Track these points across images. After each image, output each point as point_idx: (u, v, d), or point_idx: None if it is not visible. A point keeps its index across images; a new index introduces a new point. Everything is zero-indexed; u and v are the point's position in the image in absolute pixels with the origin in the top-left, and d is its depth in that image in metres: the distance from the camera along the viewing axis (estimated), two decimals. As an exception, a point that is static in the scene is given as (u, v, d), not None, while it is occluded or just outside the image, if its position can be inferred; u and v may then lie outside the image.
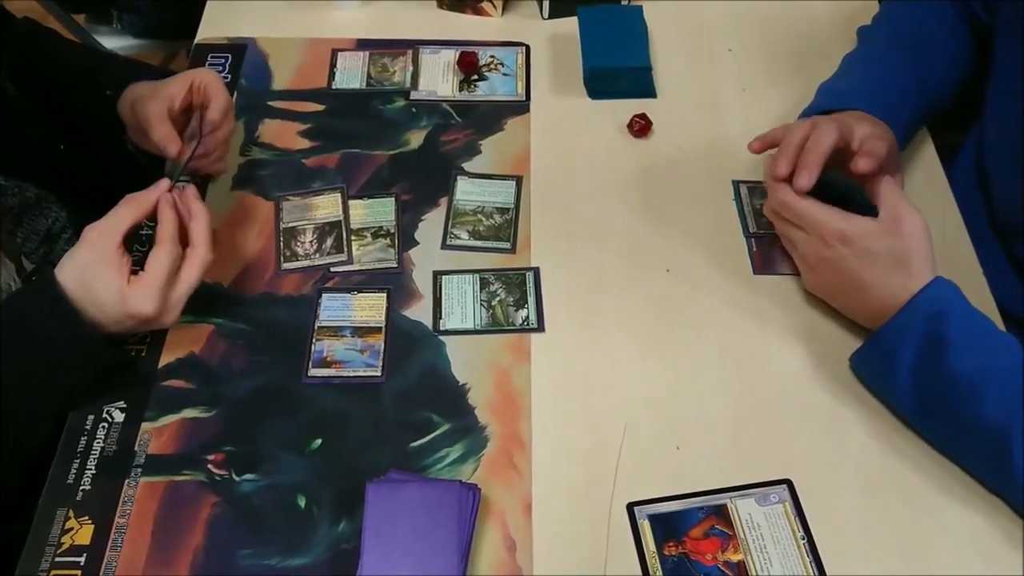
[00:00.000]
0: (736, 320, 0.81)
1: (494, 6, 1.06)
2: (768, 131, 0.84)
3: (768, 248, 0.86)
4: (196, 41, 1.05)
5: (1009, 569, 0.67)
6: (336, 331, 0.80)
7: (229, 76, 1.00)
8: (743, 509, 0.70)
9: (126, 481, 0.71)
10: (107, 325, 0.72)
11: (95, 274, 0.70)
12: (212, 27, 1.06)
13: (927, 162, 0.93)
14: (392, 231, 0.87)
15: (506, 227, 0.87)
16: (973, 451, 0.70)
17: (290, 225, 0.88)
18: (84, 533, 0.69)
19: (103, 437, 0.73)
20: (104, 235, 0.71)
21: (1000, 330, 0.73)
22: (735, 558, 0.68)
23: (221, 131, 0.84)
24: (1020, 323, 0.86)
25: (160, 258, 0.71)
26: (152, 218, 0.74)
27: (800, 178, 0.77)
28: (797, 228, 0.79)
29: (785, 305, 0.82)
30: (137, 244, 0.83)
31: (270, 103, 0.98)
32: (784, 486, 0.71)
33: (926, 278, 0.72)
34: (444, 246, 0.86)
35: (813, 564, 0.68)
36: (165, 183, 0.75)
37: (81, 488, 0.71)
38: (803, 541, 0.69)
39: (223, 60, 1.02)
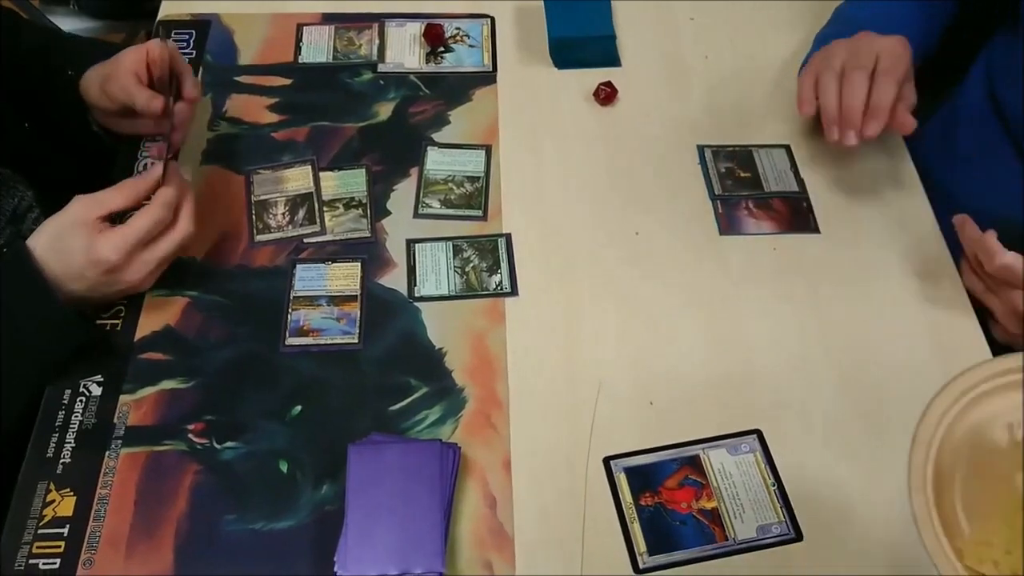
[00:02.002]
0: (704, 279, 0.83)
1: (458, -21, 1.06)
2: (802, 91, 0.85)
3: (732, 209, 0.88)
4: (159, 18, 1.04)
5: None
6: (312, 300, 0.81)
7: (194, 52, 1.00)
8: (715, 459, 0.72)
9: (107, 453, 0.72)
10: (69, 282, 0.71)
11: (69, 235, 0.71)
12: (175, 4, 1.05)
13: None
14: (364, 201, 0.88)
15: (477, 195, 0.89)
16: None
17: (261, 198, 0.88)
18: (66, 505, 0.69)
19: (81, 411, 0.74)
20: (90, 205, 0.72)
21: None
22: (709, 506, 0.70)
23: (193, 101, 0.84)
24: None
25: (144, 217, 0.72)
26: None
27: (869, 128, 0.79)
28: None
29: (751, 264, 0.84)
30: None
31: (236, 78, 0.98)
32: (754, 436, 0.74)
33: None
34: (416, 215, 0.87)
35: (784, 509, 0.70)
36: (158, 170, 0.74)
37: (61, 461, 0.71)
38: (773, 488, 0.71)
39: (187, 37, 1.02)
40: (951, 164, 0.96)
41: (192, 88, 0.82)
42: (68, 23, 1.50)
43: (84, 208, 0.72)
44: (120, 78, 0.81)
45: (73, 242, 0.71)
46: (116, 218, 0.74)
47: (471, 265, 0.83)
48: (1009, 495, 0.58)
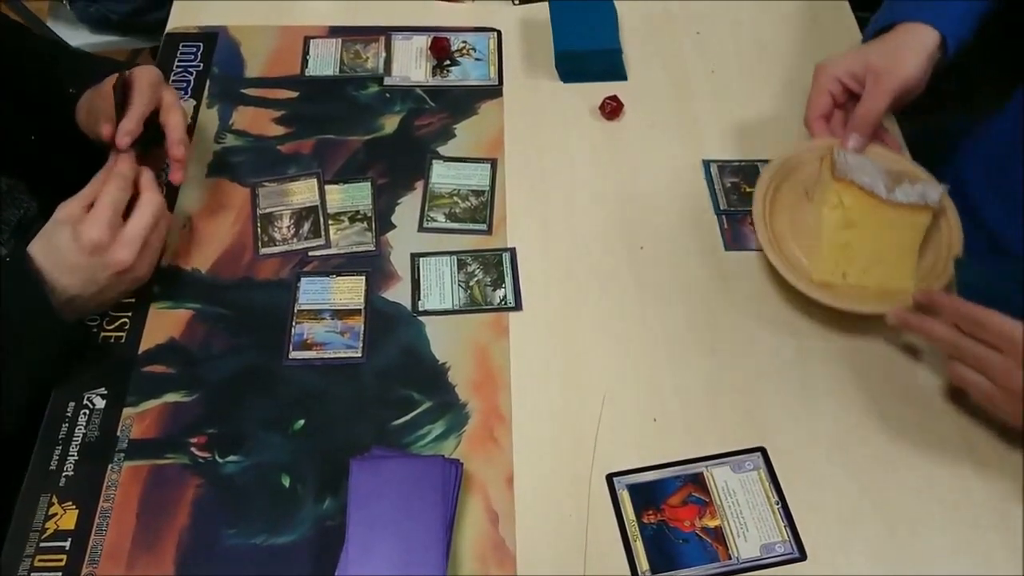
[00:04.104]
0: (709, 295, 0.83)
1: (465, -8, 1.07)
2: (811, 110, 0.88)
3: (738, 225, 0.88)
4: (167, 30, 1.04)
5: (975, 528, 0.70)
6: (316, 314, 0.81)
7: (201, 65, 1.00)
8: (719, 477, 0.72)
9: (109, 466, 0.72)
10: (66, 278, 0.72)
11: (56, 233, 0.73)
12: (182, 16, 1.06)
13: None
14: (369, 215, 0.88)
15: (482, 209, 0.89)
16: None
17: (267, 211, 0.88)
18: (68, 518, 0.69)
19: (84, 423, 0.74)
20: (68, 204, 0.74)
21: None
22: (712, 524, 0.70)
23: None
24: None
25: (104, 190, 0.74)
26: None
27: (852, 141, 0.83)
28: (988, 347, 0.67)
29: (756, 279, 0.84)
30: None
31: (243, 91, 0.98)
32: (758, 454, 0.73)
33: None
34: (421, 228, 0.87)
35: (787, 528, 0.70)
36: (119, 156, 0.78)
37: (64, 474, 0.71)
38: (777, 506, 0.71)
39: (195, 49, 1.02)
40: (1001, 202, 0.86)
41: (123, 135, 0.80)
42: (77, 38, 1.51)
43: (65, 208, 0.74)
44: (99, 105, 0.82)
45: (60, 238, 0.72)
46: None
47: (475, 279, 0.83)
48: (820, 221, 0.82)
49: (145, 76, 0.82)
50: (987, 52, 0.94)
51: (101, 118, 0.81)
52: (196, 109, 0.96)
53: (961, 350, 0.69)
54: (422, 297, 0.82)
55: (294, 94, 0.98)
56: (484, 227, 0.87)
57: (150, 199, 0.76)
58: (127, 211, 0.75)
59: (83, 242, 0.72)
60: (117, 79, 0.80)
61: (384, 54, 1.02)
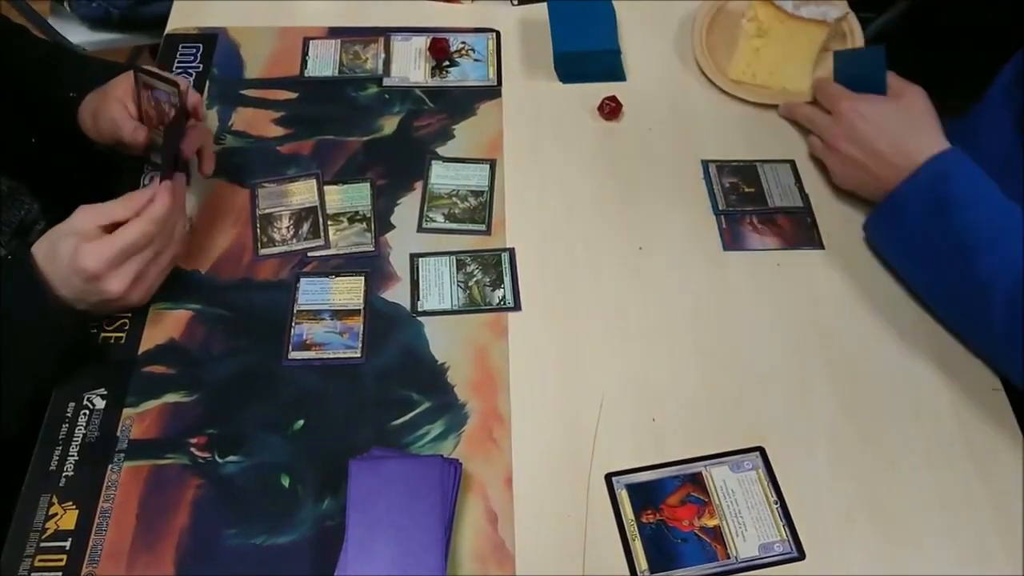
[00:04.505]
0: (707, 295, 0.83)
1: (464, -7, 1.07)
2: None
3: (736, 225, 0.88)
4: (166, 32, 1.05)
5: (974, 527, 0.70)
6: (315, 314, 0.81)
7: (201, 66, 1.01)
8: (718, 476, 0.72)
9: (109, 466, 0.72)
10: (58, 287, 0.72)
11: (61, 241, 0.72)
12: (182, 17, 1.06)
13: None
14: (368, 215, 0.88)
15: (481, 209, 0.89)
16: (961, 310, 0.76)
17: (266, 211, 0.88)
18: (68, 518, 0.69)
19: (85, 424, 0.74)
20: (91, 215, 0.73)
21: (1003, 195, 0.75)
22: (711, 523, 0.70)
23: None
24: None
25: (130, 229, 0.72)
26: None
27: None
28: (823, 113, 0.88)
29: (754, 279, 0.84)
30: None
31: (243, 92, 0.98)
32: (756, 453, 0.73)
33: (934, 145, 0.78)
34: (420, 229, 0.87)
35: (786, 527, 0.70)
36: (167, 185, 0.75)
37: (64, 474, 0.71)
38: (776, 505, 0.71)
39: (194, 50, 1.02)
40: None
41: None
42: (77, 35, 1.51)
43: (85, 217, 0.73)
44: (108, 110, 0.82)
45: (63, 248, 0.72)
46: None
47: (474, 279, 0.83)
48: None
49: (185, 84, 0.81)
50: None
51: (120, 125, 0.80)
52: (196, 110, 0.96)
53: (813, 120, 0.90)
54: (421, 297, 0.82)
55: (293, 95, 0.98)
56: (483, 227, 0.87)
57: (172, 249, 0.76)
58: None
59: (77, 264, 0.71)
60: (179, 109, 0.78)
61: (383, 55, 1.02)
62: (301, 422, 0.75)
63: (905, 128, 0.81)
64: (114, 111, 0.81)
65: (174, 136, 0.79)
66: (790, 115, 0.94)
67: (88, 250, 0.71)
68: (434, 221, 0.88)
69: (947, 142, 0.79)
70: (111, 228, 0.73)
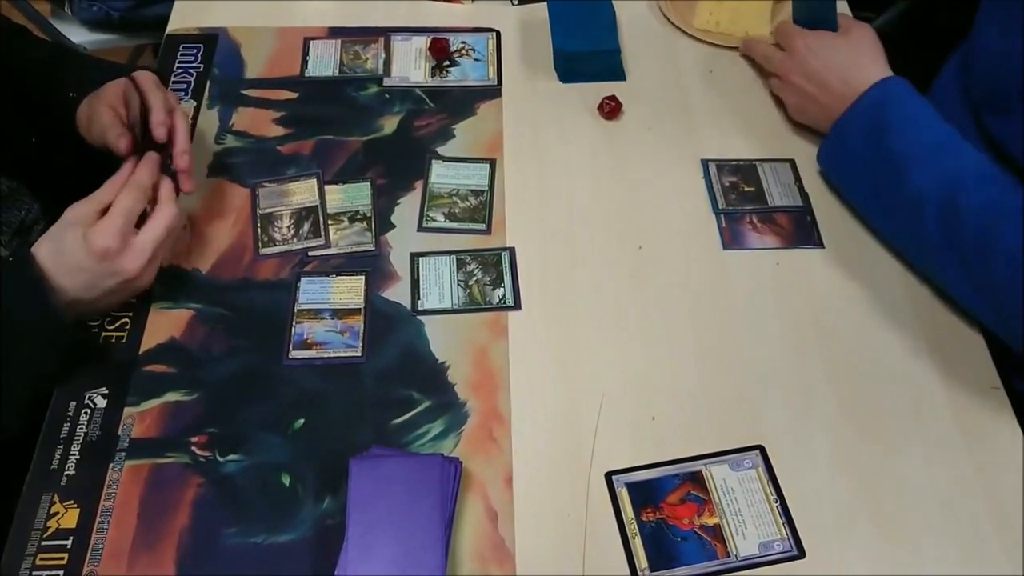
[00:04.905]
0: (707, 294, 0.83)
1: (464, -7, 1.07)
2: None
3: (736, 224, 0.88)
4: (167, 32, 1.05)
5: (974, 526, 0.70)
6: (316, 313, 0.81)
7: (202, 66, 1.01)
8: (718, 475, 0.72)
9: (110, 465, 0.72)
10: (70, 279, 0.73)
11: (65, 235, 0.73)
12: (183, 17, 1.06)
13: None
14: (368, 215, 0.88)
15: (481, 209, 0.89)
16: (900, 227, 0.81)
17: (267, 211, 0.88)
18: (70, 517, 0.69)
19: (86, 423, 0.74)
20: (81, 206, 0.74)
21: (938, 116, 0.80)
22: (711, 522, 0.70)
23: (171, 123, 0.83)
24: None
25: (120, 197, 0.74)
26: None
27: None
28: (779, 50, 0.94)
29: (753, 278, 0.84)
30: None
31: (243, 92, 0.99)
32: (756, 452, 0.73)
33: (878, 74, 0.83)
34: (420, 228, 0.87)
35: (786, 526, 0.70)
36: (135, 159, 0.78)
37: (65, 473, 0.71)
38: (776, 504, 0.71)
39: (195, 50, 1.02)
40: None
41: (158, 126, 0.81)
42: (78, 35, 1.51)
43: (76, 210, 0.74)
44: (99, 114, 0.82)
45: (69, 241, 0.72)
46: None
47: (474, 279, 0.84)
48: None
49: (149, 79, 0.83)
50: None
51: (107, 130, 0.81)
52: (196, 110, 0.96)
53: (769, 57, 0.95)
54: (421, 297, 0.82)
55: (294, 95, 0.98)
56: (483, 227, 0.88)
57: (166, 211, 0.76)
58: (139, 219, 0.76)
59: (93, 247, 0.72)
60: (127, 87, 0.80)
61: (383, 55, 1.02)
62: (302, 421, 0.75)
63: (851, 60, 0.86)
64: (104, 116, 0.82)
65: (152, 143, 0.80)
66: (750, 52, 1.00)
67: (96, 230, 0.72)
68: (434, 220, 0.88)
69: (889, 71, 0.84)
70: (102, 212, 0.74)
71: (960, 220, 0.73)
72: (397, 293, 0.83)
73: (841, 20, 0.91)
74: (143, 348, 0.79)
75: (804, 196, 0.90)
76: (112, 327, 0.80)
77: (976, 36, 0.89)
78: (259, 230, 0.87)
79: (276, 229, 0.87)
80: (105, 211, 0.74)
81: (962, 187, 0.74)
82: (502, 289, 0.83)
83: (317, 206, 0.89)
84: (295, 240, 0.86)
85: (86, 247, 0.72)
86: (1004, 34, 0.83)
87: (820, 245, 0.86)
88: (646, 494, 0.71)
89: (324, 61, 1.02)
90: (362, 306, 0.82)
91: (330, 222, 0.88)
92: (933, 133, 0.79)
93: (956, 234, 0.74)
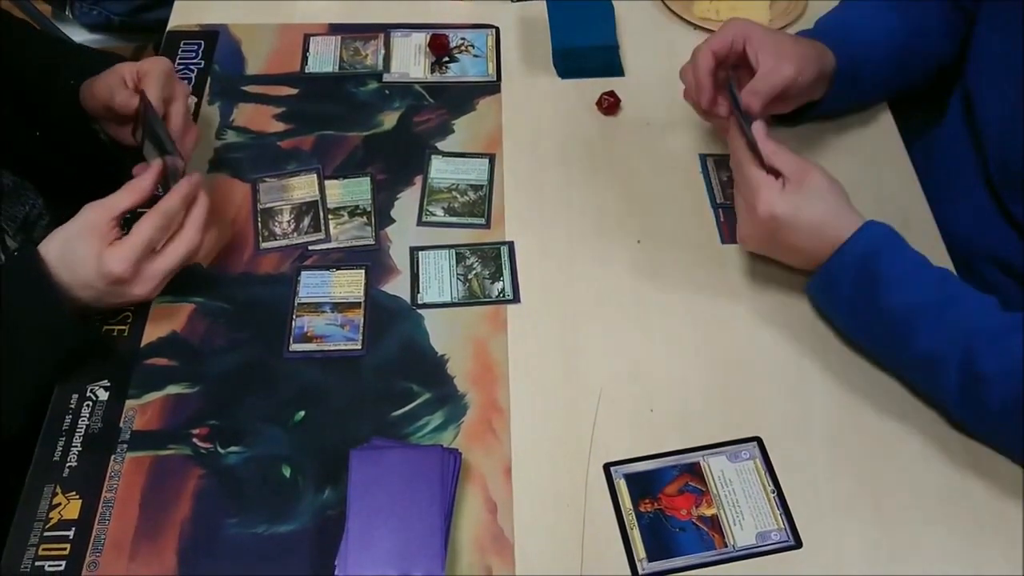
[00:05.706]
0: (705, 288, 0.84)
1: (463, -11, 1.08)
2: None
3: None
4: (168, 28, 1.05)
5: (971, 514, 0.70)
6: (316, 307, 0.82)
7: (203, 62, 1.01)
8: (715, 466, 0.73)
9: (112, 457, 0.72)
10: (77, 290, 0.73)
11: (78, 243, 0.72)
12: (184, 14, 1.06)
13: (895, 158, 0.94)
14: (368, 209, 0.89)
15: (480, 203, 0.89)
16: (912, 378, 0.76)
17: (267, 206, 0.89)
18: (72, 508, 0.70)
19: (88, 415, 0.75)
20: (100, 211, 0.73)
21: (933, 265, 0.74)
22: (708, 512, 0.70)
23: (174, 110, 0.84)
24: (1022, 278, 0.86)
25: (145, 225, 0.73)
26: (147, 204, 0.75)
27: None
28: (744, 186, 0.79)
29: (751, 272, 0.85)
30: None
31: (244, 88, 0.99)
32: (754, 443, 0.74)
33: (854, 226, 0.75)
34: (420, 223, 0.88)
35: (783, 516, 0.70)
36: (159, 164, 0.77)
37: (68, 465, 0.72)
38: (773, 495, 0.71)
39: (196, 47, 1.03)
40: (930, 197, 0.91)
41: (177, 117, 0.82)
42: (78, 38, 1.52)
43: (95, 214, 0.73)
44: (108, 76, 0.83)
45: (82, 251, 0.72)
46: (125, 222, 0.75)
47: (474, 272, 0.84)
48: None
49: (157, 67, 0.83)
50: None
51: (115, 91, 0.80)
52: (197, 106, 0.97)
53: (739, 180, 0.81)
54: (421, 290, 0.83)
55: (294, 91, 0.99)
56: (482, 221, 0.88)
57: (188, 239, 0.75)
58: None
59: (105, 271, 0.72)
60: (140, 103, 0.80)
61: (383, 51, 1.03)
62: (302, 413, 0.75)
63: (818, 221, 0.76)
64: (112, 78, 0.82)
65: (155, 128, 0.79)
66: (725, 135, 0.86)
67: (113, 255, 0.72)
68: (434, 215, 0.89)
69: (858, 216, 0.76)
70: (120, 219, 0.74)
71: (981, 388, 0.68)
72: (397, 287, 0.83)
73: (791, 165, 0.77)
74: (145, 341, 0.79)
75: (802, 190, 0.90)
76: (114, 321, 0.80)
77: (979, 104, 0.86)
78: (260, 225, 0.87)
79: (276, 224, 0.88)
80: (121, 217, 0.74)
81: (977, 351, 0.68)
82: (501, 283, 0.83)
83: (317, 201, 0.89)
84: (295, 234, 0.87)
85: (98, 268, 0.72)
86: (1003, 99, 0.81)
87: (817, 239, 0.87)
88: (644, 485, 0.71)
89: (324, 57, 1.02)
90: (362, 300, 0.82)
91: (330, 217, 0.88)
92: (929, 289, 0.72)
93: (979, 401, 0.69)
